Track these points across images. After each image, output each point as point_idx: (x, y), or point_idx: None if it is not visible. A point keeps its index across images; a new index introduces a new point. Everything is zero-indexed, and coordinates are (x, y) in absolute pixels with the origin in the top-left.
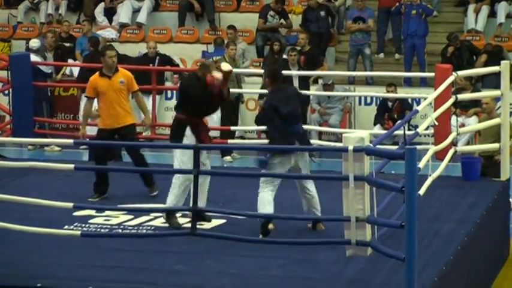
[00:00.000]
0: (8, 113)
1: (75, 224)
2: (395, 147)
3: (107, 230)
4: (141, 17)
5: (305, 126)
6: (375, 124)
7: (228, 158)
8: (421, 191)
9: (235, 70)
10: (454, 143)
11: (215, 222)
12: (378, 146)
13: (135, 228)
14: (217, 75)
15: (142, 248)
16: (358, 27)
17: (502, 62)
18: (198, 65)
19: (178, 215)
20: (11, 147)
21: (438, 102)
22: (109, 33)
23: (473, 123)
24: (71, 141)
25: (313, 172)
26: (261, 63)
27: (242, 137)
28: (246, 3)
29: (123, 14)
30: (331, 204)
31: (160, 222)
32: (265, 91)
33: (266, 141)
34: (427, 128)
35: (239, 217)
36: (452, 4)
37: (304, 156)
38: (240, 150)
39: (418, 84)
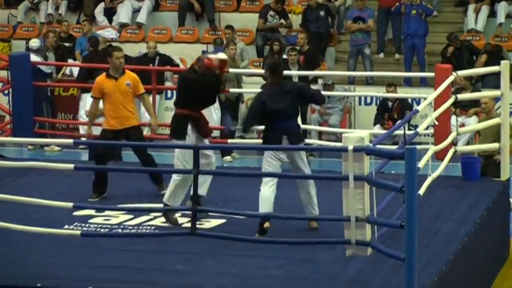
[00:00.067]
0: (8, 113)
1: (75, 224)
2: (395, 147)
3: (106, 230)
4: (141, 17)
5: (305, 126)
6: (374, 124)
7: (228, 158)
8: (421, 191)
9: (235, 70)
10: (454, 143)
11: (215, 222)
12: (378, 146)
13: (135, 228)
14: (214, 56)
15: (142, 248)
16: (358, 27)
17: (502, 62)
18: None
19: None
20: (11, 147)
21: (438, 102)
22: (109, 33)
23: (473, 123)
24: (71, 141)
25: (313, 172)
26: (261, 63)
27: (242, 137)
28: (246, 3)
29: (123, 14)
30: (331, 204)
31: (160, 222)
32: None
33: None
34: (427, 128)
35: (239, 217)
36: (452, 4)
37: (300, 154)
38: (240, 150)
39: (418, 84)
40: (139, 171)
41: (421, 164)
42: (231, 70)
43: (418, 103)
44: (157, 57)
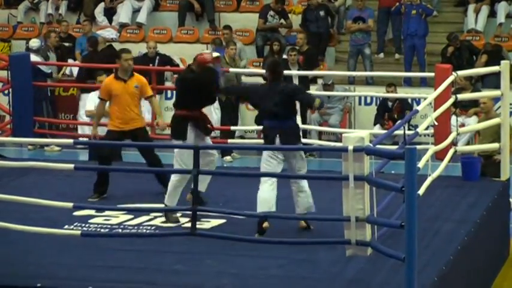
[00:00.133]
0: (8, 113)
1: (75, 224)
2: (395, 147)
3: (107, 230)
4: (141, 17)
5: (305, 126)
6: (374, 124)
7: (228, 158)
8: (421, 191)
9: (235, 70)
10: (454, 143)
11: (215, 222)
12: (378, 146)
13: (135, 228)
14: (206, 52)
15: (142, 248)
16: (358, 27)
17: (502, 62)
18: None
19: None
20: (11, 147)
21: (438, 102)
22: (109, 33)
23: (473, 123)
24: (71, 141)
25: (313, 172)
26: (261, 63)
27: (242, 137)
28: (246, 3)
29: (123, 14)
30: (331, 204)
31: (160, 222)
32: None
33: None
34: (427, 128)
35: (239, 217)
36: (452, 4)
37: (296, 154)
38: (240, 150)
39: (418, 84)
40: (140, 171)
41: (421, 164)
42: (231, 70)
43: (418, 103)
44: (157, 57)
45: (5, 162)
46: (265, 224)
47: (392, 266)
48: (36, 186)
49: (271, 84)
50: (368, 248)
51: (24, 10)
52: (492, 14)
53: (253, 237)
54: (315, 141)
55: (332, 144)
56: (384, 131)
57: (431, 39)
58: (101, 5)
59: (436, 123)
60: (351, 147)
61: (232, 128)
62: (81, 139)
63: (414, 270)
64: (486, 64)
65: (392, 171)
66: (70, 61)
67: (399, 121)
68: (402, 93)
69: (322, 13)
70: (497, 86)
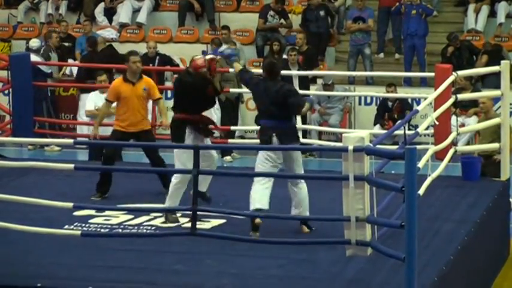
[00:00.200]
0: (8, 113)
1: (75, 224)
2: (395, 147)
3: (107, 230)
4: (141, 17)
5: (305, 126)
6: (374, 124)
7: (228, 158)
8: (421, 191)
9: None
10: (454, 143)
11: (215, 222)
12: (378, 146)
13: (135, 228)
14: (198, 57)
15: (142, 248)
16: (358, 27)
17: (502, 62)
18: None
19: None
20: (11, 147)
21: (438, 102)
22: (109, 33)
23: (473, 123)
24: (71, 141)
25: (313, 172)
26: (261, 63)
27: (242, 137)
28: (246, 3)
29: (123, 14)
30: (331, 204)
31: (160, 222)
32: None
33: None
34: (427, 128)
35: (239, 217)
36: (452, 4)
37: (290, 153)
38: (240, 150)
39: (418, 84)
40: (140, 171)
41: (421, 164)
42: (231, 70)
43: (418, 103)
44: (157, 57)
45: (5, 162)
46: (257, 220)
47: (393, 266)
48: (36, 186)
49: (268, 83)
50: (368, 248)
51: (24, 10)
52: (492, 14)
53: (253, 237)
54: (315, 141)
55: (332, 144)
56: (384, 131)
57: (431, 39)
58: (101, 5)
59: (436, 123)
60: (351, 147)
61: (232, 128)
62: (79, 139)
63: (414, 270)
64: (487, 64)
65: (393, 171)
66: (70, 61)
67: (399, 121)
68: (402, 93)
69: (322, 13)
70: (497, 86)
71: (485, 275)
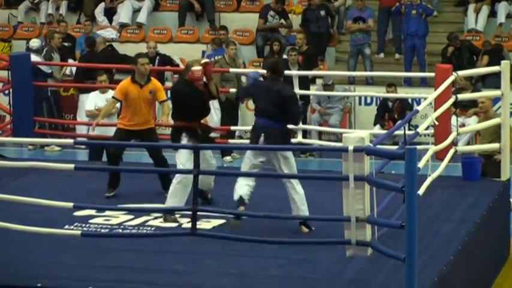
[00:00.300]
0: (8, 113)
1: (75, 224)
2: (395, 147)
3: (107, 230)
4: (141, 17)
5: (305, 126)
6: (375, 124)
7: (228, 158)
8: (421, 191)
9: (235, 70)
10: (454, 143)
11: (215, 222)
12: (378, 146)
13: (135, 228)
14: (195, 68)
15: (142, 248)
16: (358, 27)
17: (502, 62)
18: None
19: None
20: (11, 147)
21: (438, 102)
22: (109, 33)
23: (473, 123)
24: (71, 141)
25: (313, 172)
26: (261, 63)
27: (242, 137)
28: (246, 3)
29: (123, 14)
30: (331, 204)
31: (160, 222)
32: None
33: None
34: (427, 128)
35: None
36: (452, 4)
37: (277, 155)
38: (240, 150)
39: (418, 84)
40: (140, 171)
41: (421, 164)
42: (231, 70)
43: (418, 103)
44: (158, 57)
45: (5, 162)
46: (241, 208)
47: (393, 266)
48: (36, 186)
49: (270, 83)
50: (368, 248)
51: (25, 10)
52: (492, 14)
53: (253, 237)
54: (315, 141)
55: (332, 144)
56: (384, 131)
57: (432, 39)
58: (101, 5)
59: (437, 123)
60: (351, 148)
61: (232, 128)
62: (79, 139)
63: (414, 270)
64: (487, 65)
65: (393, 171)
66: (70, 61)
67: (399, 121)
68: (402, 93)
69: (322, 13)
70: (498, 86)
71: (486, 275)
